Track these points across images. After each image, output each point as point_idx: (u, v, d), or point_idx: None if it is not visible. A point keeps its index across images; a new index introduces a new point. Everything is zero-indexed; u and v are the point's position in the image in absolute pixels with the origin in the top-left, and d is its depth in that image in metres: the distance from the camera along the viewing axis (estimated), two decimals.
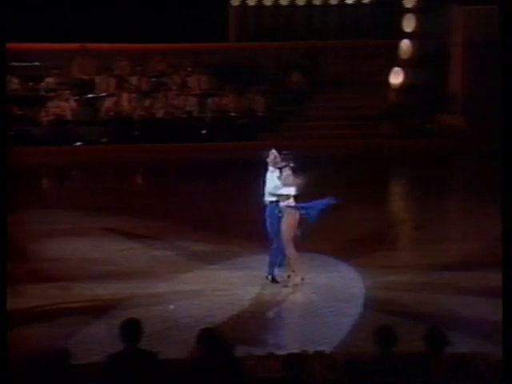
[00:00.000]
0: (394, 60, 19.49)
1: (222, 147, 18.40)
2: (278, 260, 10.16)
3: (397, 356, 6.33)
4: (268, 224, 10.04)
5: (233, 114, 19.40)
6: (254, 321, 9.06)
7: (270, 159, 10.15)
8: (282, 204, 9.94)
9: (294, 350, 7.62)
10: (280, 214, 9.93)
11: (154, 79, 19.86)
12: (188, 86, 19.86)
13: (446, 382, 5.97)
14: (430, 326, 6.54)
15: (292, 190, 9.94)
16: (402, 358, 6.34)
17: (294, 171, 9.96)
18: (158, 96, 19.42)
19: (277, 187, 9.97)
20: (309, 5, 20.72)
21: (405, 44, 19.39)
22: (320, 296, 9.73)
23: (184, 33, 19.04)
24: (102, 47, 19.39)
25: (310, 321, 9.11)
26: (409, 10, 19.29)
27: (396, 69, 19.35)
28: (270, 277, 10.12)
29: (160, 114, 19.22)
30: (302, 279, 10.01)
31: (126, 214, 13.24)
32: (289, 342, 8.62)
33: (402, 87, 19.26)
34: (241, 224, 12.16)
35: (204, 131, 19.14)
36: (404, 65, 19.40)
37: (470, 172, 16.78)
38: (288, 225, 9.88)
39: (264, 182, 10.09)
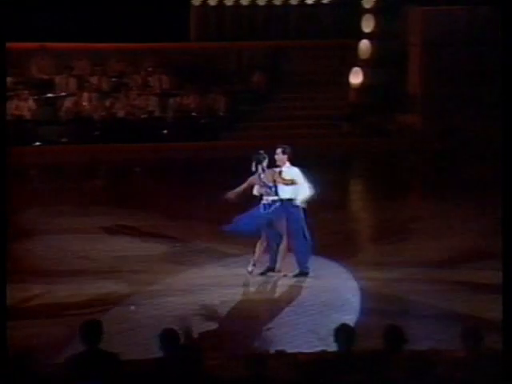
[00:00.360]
0: (353, 60, 19.64)
1: (184, 147, 18.42)
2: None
3: (357, 354, 6.43)
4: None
5: (194, 114, 19.43)
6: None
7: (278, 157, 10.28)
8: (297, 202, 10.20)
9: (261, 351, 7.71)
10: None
11: (114, 79, 19.81)
12: (149, 86, 19.83)
13: (405, 379, 6.07)
14: (389, 324, 6.65)
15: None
16: (362, 356, 6.44)
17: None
18: (119, 96, 19.37)
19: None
20: (269, 5, 20.82)
21: (364, 44, 19.55)
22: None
23: (145, 32, 19.00)
24: (62, 46, 19.29)
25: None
26: (368, 11, 19.44)
27: (355, 69, 19.50)
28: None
29: (121, 113, 19.18)
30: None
31: (86, 215, 13.24)
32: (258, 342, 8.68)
33: (362, 87, 19.42)
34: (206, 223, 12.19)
35: (165, 131, 19.14)
36: (363, 65, 19.56)
37: (427, 170, 16.97)
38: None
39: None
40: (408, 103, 18.59)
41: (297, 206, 10.31)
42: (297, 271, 10.38)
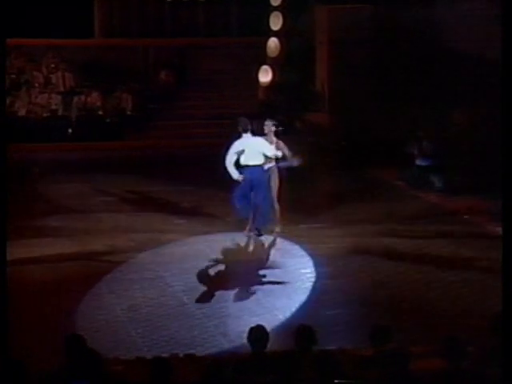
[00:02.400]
0: (262, 58, 19.79)
1: (89, 147, 18.26)
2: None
3: (267, 355, 6.54)
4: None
5: (100, 113, 19.27)
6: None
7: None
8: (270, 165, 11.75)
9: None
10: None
11: (13, 76, 19.46)
12: (52, 84, 19.59)
13: (315, 379, 6.20)
14: (299, 324, 6.78)
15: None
16: (272, 357, 6.55)
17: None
18: (20, 94, 19.08)
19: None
20: (177, 0, 20.78)
21: (273, 42, 19.69)
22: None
23: (45, 26, 18.70)
24: None
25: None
26: (275, 8, 19.61)
27: (264, 67, 19.65)
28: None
29: (22, 112, 18.89)
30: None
31: None
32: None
33: (271, 85, 19.58)
34: None
35: (70, 130, 18.93)
36: (272, 63, 19.73)
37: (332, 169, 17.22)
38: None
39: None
40: (316, 101, 18.84)
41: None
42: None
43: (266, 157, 11.79)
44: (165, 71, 20.07)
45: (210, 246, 11.71)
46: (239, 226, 12.04)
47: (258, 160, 11.73)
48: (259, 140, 11.81)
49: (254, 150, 11.72)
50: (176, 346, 8.50)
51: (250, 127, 11.77)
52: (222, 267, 11.05)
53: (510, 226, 6.33)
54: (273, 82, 19.59)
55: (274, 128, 11.99)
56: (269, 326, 6.99)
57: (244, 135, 11.74)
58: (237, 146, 11.72)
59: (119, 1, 20.70)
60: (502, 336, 6.04)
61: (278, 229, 12.06)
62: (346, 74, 17.95)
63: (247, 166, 11.72)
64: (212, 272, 10.80)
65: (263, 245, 11.85)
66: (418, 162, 15.32)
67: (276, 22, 19.60)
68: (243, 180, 11.67)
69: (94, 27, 20.57)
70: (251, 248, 11.81)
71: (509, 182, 6.38)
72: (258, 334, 6.58)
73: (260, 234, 11.95)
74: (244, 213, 11.87)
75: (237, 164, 11.76)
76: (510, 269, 6.19)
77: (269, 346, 6.54)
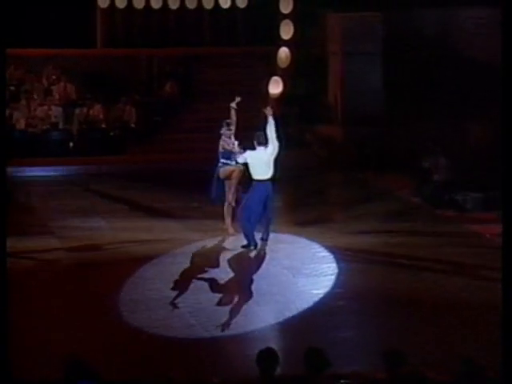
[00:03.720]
0: (272, 69, 19.80)
1: (90, 161, 18.28)
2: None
3: (276, 378, 6.51)
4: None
5: (103, 126, 19.32)
6: None
7: None
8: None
9: None
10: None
11: (12, 87, 19.55)
12: (52, 95, 19.66)
13: None
14: (309, 347, 6.75)
15: None
16: (282, 380, 6.52)
17: None
18: (19, 106, 19.15)
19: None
20: (182, 9, 20.81)
21: (283, 52, 19.69)
22: None
23: (46, 36, 18.79)
24: None
25: None
26: (286, 16, 19.62)
27: (275, 78, 19.66)
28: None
29: (21, 125, 18.95)
30: None
31: None
32: None
33: (281, 97, 19.57)
34: None
35: (71, 144, 18.98)
36: (283, 74, 19.74)
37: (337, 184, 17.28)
38: None
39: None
40: (328, 113, 18.86)
41: None
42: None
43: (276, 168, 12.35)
44: (169, 82, 20.11)
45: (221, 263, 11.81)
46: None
47: (267, 174, 12.27)
48: (267, 151, 12.29)
49: (261, 162, 12.25)
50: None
51: (263, 141, 12.36)
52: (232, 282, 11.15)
53: (510, 226, 6.34)
54: (283, 93, 19.60)
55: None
56: (278, 348, 6.97)
57: (258, 148, 12.33)
58: (249, 153, 12.40)
59: (122, 10, 20.77)
60: (502, 335, 6.00)
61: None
62: (358, 85, 17.99)
63: (260, 180, 12.24)
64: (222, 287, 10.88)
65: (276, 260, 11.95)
66: (436, 177, 15.29)
67: (287, 31, 19.61)
68: (256, 194, 12.17)
69: (96, 37, 20.64)
70: (260, 261, 11.94)
71: (509, 182, 6.38)
72: (267, 356, 6.55)
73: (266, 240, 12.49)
74: (248, 229, 12.30)
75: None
76: (510, 270, 6.22)
77: (279, 369, 6.52)
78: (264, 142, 12.31)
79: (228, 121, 13.05)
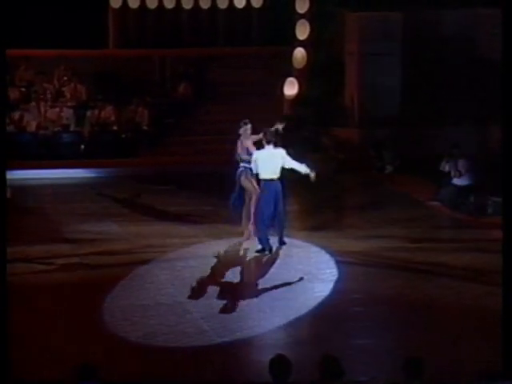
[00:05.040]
0: (287, 70, 19.80)
1: (102, 164, 18.31)
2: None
3: None
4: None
5: (114, 128, 19.36)
6: None
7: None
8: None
9: None
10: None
11: (23, 89, 19.63)
12: (63, 97, 19.73)
13: None
14: (325, 354, 6.73)
15: None
16: None
17: None
18: (29, 107, 19.22)
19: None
20: (196, 9, 20.86)
21: (299, 52, 19.69)
22: None
23: (57, 37, 18.84)
24: None
25: None
26: (302, 16, 19.62)
27: (290, 79, 19.66)
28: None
29: (32, 127, 19.02)
30: None
31: None
32: None
33: (297, 99, 19.56)
34: None
35: (82, 146, 19.03)
36: (298, 75, 19.74)
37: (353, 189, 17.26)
38: None
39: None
40: (344, 115, 18.83)
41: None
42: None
43: (283, 169, 12.30)
44: (183, 83, 20.13)
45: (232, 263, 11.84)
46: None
47: (273, 174, 12.19)
48: (277, 152, 12.25)
49: (269, 162, 12.17)
50: None
51: (273, 139, 12.35)
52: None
53: (510, 226, 6.32)
54: (299, 94, 19.60)
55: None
56: (293, 354, 6.97)
57: (266, 146, 12.27)
58: (255, 156, 12.34)
59: (135, 10, 20.83)
60: (503, 336, 6.00)
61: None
62: (376, 86, 17.96)
63: (268, 180, 12.19)
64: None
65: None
66: (455, 181, 15.24)
67: (303, 31, 19.60)
68: (265, 195, 12.14)
69: (108, 37, 20.71)
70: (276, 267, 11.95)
71: (509, 182, 6.40)
72: (279, 364, 6.51)
73: (284, 243, 12.47)
74: (264, 235, 12.30)
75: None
76: (510, 270, 6.23)
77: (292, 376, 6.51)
78: (273, 140, 12.26)
79: (245, 120, 12.92)
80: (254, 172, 12.40)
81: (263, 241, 12.25)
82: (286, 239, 12.54)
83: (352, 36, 18.66)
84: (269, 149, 12.26)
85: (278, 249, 12.41)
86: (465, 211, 14.69)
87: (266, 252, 12.26)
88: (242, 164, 12.71)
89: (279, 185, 12.19)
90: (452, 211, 14.82)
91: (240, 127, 12.89)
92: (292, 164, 12.27)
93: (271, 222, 12.30)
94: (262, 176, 12.22)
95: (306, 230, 13.68)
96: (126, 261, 12.14)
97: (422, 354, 7.27)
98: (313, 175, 12.29)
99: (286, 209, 12.65)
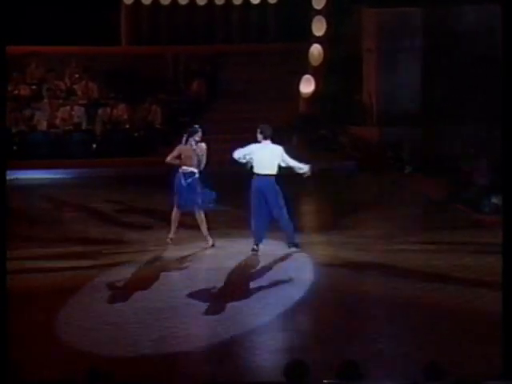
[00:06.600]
0: (303, 67, 19.76)
1: (114, 163, 18.32)
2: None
3: None
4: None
5: (127, 127, 19.36)
6: None
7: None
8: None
9: None
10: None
11: (34, 86, 19.65)
12: (75, 95, 19.74)
13: None
14: (344, 360, 6.66)
15: None
16: None
17: None
18: (40, 106, 19.24)
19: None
20: (210, 5, 20.86)
21: (316, 49, 19.67)
22: None
23: (68, 33, 18.87)
24: None
25: None
26: (318, 12, 19.58)
27: (306, 76, 19.62)
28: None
29: (42, 125, 19.04)
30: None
31: None
32: None
33: (313, 96, 19.53)
34: None
35: (94, 145, 19.03)
36: (315, 72, 19.70)
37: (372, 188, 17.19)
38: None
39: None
40: (362, 113, 18.78)
41: None
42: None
43: (280, 167, 12.16)
44: (196, 81, 20.12)
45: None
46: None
47: (268, 170, 12.05)
48: (276, 149, 12.15)
49: (265, 157, 12.06)
50: None
51: (269, 134, 12.20)
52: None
53: (510, 226, 6.35)
54: (315, 92, 19.57)
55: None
56: (310, 358, 6.91)
57: (263, 142, 12.13)
58: (250, 148, 12.20)
59: (147, 6, 20.84)
60: (503, 336, 5.95)
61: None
62: (395, 84, 17.89)
63: (257, 174, 12.10)
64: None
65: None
66: (477, 181, 15.14)
67: (319, 28, 19.59)
68: (252, 190, 12.08)
69: (120, 34, 20.74)
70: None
71: (509, 182, 6.43)
72: (296, 369, 6.41)
73: (296, 245, 12.29)
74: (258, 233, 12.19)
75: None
76: (510, 271, 6.29)
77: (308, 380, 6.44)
78: (269, 136, 12.12)
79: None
80: (244, 162, 12.19)
81: (254, 235, 12.14)
82: (303, 238, 12.36)
83: (370, 32, 18.60)
84: (266, 144, 12.14)
85: (294, 251, 12.30)
86: (486, 212, 14.58)
87: (254, 246, 12.10)
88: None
89: (268, 181, 11.99)
90: (473, 212, 14.72)
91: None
92: (290, 162, 12.17)
93: (261, 217, 12.05)
94: (257, 170, 12.07)
95: (324, 230, 13.62)
96: (137, 262, 12.10)
97: (445, 358, 7.20)
98: (307, 169, 12.22)
99: (288, 209, 12.29)
